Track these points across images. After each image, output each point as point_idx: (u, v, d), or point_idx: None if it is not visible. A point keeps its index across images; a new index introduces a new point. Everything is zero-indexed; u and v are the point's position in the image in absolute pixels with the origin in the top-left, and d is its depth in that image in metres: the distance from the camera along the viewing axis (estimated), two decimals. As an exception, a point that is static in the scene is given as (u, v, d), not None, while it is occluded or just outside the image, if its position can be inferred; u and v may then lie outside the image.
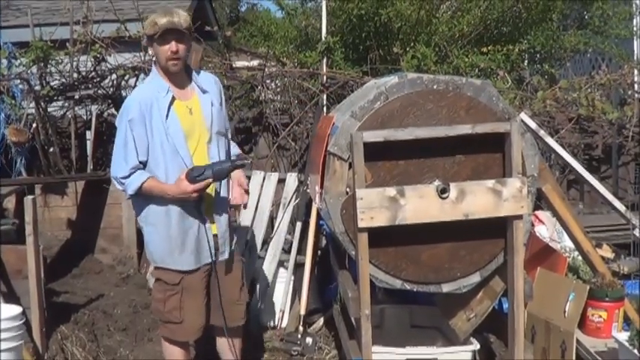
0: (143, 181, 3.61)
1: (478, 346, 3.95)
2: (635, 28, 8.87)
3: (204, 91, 3.79)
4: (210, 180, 3.59)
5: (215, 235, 3.79)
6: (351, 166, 3.50)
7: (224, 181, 3.80)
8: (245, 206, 4.04)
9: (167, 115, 3.64)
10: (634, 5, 8.92)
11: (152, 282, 5.75)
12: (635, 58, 8.44)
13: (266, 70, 6.89)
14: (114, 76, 6.84)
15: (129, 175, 3.63)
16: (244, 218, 5.58)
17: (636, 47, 9.06)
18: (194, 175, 3.57)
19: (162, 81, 3.70)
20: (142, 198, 3.72)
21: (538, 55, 8.46)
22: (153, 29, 3.56)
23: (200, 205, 3.69)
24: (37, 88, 6.59)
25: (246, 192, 3.86)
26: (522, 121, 4.46)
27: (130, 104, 3.70)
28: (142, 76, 6.91)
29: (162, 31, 3.53)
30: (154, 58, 3.81)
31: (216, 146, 3.76)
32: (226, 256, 3.87)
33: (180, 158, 3.65)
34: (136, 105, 3.65)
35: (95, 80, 6.88)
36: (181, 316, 3.77)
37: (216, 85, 3.93)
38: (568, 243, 4.97)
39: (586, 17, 9.07)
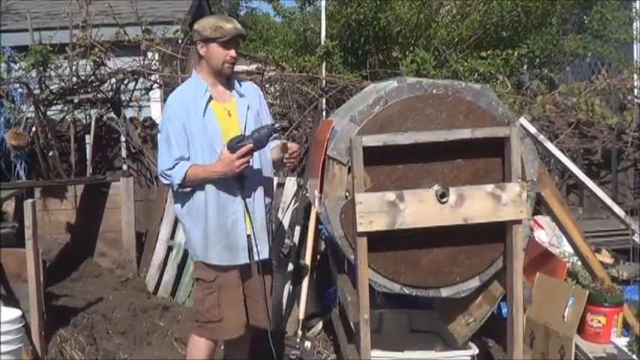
0: (187, 168, 3.64)
1: (477, 351, 3.94)
2: (635, 33, 8.86)
3: (241, 95, 3.86)
4: (252, 145, 3.56)
5: (249, 236, 3.76)
6: (350, 170, 3.51)
7: (257, 178, 3.78)
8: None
9: (204, 113, 3.70)
10: (634, 9, 8.91)
11: (152, 286, 5.79)
12: (635, 62, 8.43)
13: (265, 74, 6.90)
14: (113, 80, 6.85)
15: (173, 167, 3.67)
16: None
17: (636, 51, 9.06)
18: (234, 143, 3.57)
19: (202, 82, 3.78)
20: (182, 193, 3.75)
21: (537, 60, 8.47)
22: (218, 32, 3.65)
23: (242, 181, 3.66)
24: (37, 92, 6.59)
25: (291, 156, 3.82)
26: (522, 125, 4.46)
27: (170, 102, 3.80)
28: (141, 79, 6.93)
29: (230, 36, 3.66)
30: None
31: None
32: (266, 255, 3.85)
33: (217, 156, 3.65)
34: (176, 103, 3.76)
35: (94, 84, 6.88)
36: (220, 314, 3.76)
37: (256, 92, 4.01)
38: (567, 248, 4.98)
39: (585, 22, 9.07)
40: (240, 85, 3.91)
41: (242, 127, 3.77)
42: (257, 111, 3.89)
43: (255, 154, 3.68)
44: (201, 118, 3.69)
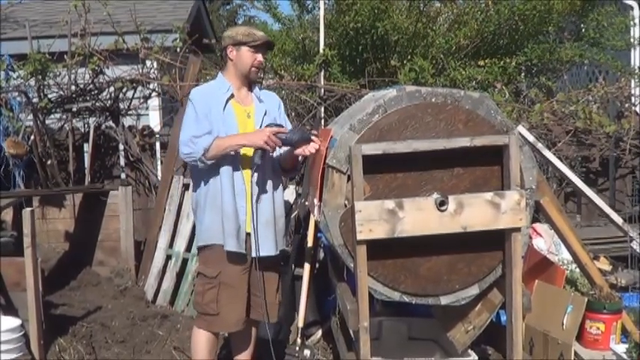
0: (214, 138, 3.75)
1: (476, 358, 3.95)
2: (632, 40, 8.88)
3: (260, 101, 4.04)
4: (287, 133, 3.76)
5: (248, 234, 3.89)
6: (349, 178, 3.51)
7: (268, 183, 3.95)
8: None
9: (224, 109, 3.89)
10: (630, 16, 8.92)
11: (150, 294, 5.78)
12: (632, 68, 8.44)
13: (263, 82, 6.91)
14: (112, 88, 6.86)
15: (201, 136, 3.78)
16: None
17: (633, 58, 9.08)
18: (273, 125, 3.81)
19: (226, 81, 3.99)
20: (200, 178, 3.90)
21: (535, 68, 8.48)
22: (250, 37, 3.92)
23: (254, 161, 3.79)
24: (35, 100, 6.60)
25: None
26: (520, 133, 4.47)
27: (193, 95, 3.97)
28: (139, 88, 6.94)
29: (262, 42, 3.94)
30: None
31: (259, 156, 3.82)
32: (267, 252, 3.93)
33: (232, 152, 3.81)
34: (199, 96, 3.95)
35: (93, 93, 6.90)
36: (217, 309, 3.91)
37: (277, 101, 4.19)
38: (566, 255, 4.98)
39: (582, 29, 9.08)
40: (262, 92, 4.11)
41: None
42: (274, 117, 4.03)
43: (269, 166, 3.91)
44: (221, 113, 3.86)
